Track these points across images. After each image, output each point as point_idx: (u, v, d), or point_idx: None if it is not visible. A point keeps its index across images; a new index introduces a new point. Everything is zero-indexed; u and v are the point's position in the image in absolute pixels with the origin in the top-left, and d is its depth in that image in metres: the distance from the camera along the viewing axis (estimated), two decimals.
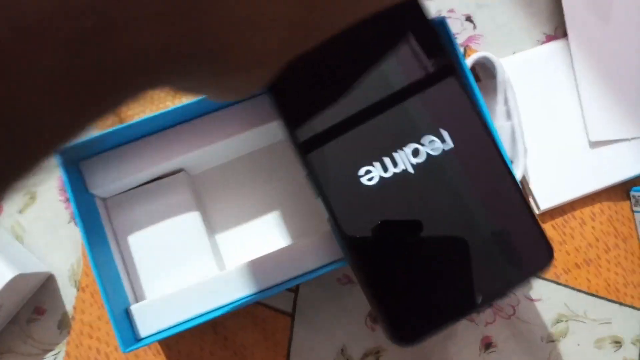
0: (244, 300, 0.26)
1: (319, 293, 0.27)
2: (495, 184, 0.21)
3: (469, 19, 0.35)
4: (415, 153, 0.21)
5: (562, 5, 0.34)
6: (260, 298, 0.26)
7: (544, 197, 0.32)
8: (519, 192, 0.21)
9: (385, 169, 0.21)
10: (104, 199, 0.29)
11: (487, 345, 0.32)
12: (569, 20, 0.33)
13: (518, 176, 0.30)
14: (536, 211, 0.33)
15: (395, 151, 0.21)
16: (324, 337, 0.32)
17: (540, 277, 0.32)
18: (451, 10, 0.35)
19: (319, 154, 0.21)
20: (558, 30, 0.35)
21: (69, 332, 0.31)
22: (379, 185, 0.21)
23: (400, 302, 0.21)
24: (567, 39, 0.34)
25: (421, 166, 0.21)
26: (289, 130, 0.21)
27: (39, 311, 0.31)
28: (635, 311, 0.33)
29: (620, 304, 0.33)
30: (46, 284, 0.32)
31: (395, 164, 0.21)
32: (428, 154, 0.21)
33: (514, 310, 0.32)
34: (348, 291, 0.32)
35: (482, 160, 0.21)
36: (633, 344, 0.32)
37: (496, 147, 0.22)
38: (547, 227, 0.33)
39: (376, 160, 0.21)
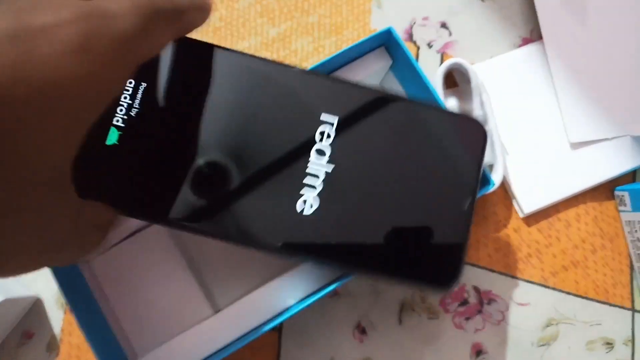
0: (243, 340, 0.27)
1: (306, 307, 0.27)
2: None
3: (444, 25, 0.35)
4: (320, 153, 0.21)
5: (535, 7, 0.34)
6: (260, 333, 0.26)
7: (527, 201, 0.32)
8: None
9: (312, 187, 0.21)
10: (87, 262, 0.29)
11: (478, 352, 0.32)
12: (543, 21, 0.33)
13: (497, 179, 0.30)
14: (521, 215, 0.33)
15: (306, 169, 0.21)
16: (312, 350, 0.31)
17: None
18: (425, 18, 0.35)
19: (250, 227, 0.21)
20: (534, 33, 0.35)
21: (57, 355, 0.31)
22: (322, 205, 0.21)
23: (414, 265, 0.21)
24: (542, 41, 0.34)
25: (335, 158, 0.21)
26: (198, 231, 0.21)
27: (27, 335, 0.32)
28: (625, 311, 0.32)
29: (610, 304, 0.32)
30: (33, 308, 0.32)
31: (316, 177, 0.21)
32: (330, 144, 0.21)
33: (503, 315, 0.32)
34: (335, 303, 0.32)
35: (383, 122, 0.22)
36: (625, 344, 0.32)
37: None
38: (532, 231, 0.33)
39: (299, 190, 0.21)
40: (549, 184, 0.32)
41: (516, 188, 0.32)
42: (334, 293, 0.32)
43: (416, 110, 0.22)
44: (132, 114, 0.21)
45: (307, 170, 0.21)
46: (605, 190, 0.33)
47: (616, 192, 0.33)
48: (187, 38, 0.21)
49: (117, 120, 0.20)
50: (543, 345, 0.32)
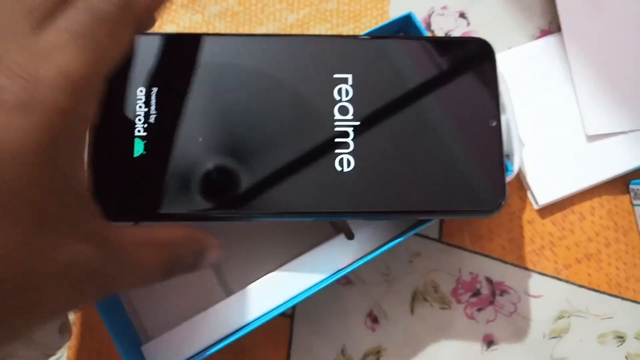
0: (259, 321, 0.27)
1: (318, 294, 0.27)
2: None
3: (462, 15, 0.35)
4: (343, 111, 0.22)
5: None
6: (273, 316, 0.26)
7: (542, 193, 0.32)
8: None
9: (347, 146, 0.21)
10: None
11: (489, 343, 0.32)
12: (562, 13, 0.33)
13: (514, 170, 0.30)
14: (535, 207, 0.33)
15: (334, 129, 0.21)
16: (323, 338, 0.31)
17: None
18: (444, 7, 0.35)
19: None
20: (552, 24, 0.34)
21: (69, 337, 0.31)
22: (359, 159, 0.21)
23: (460, 197, 0.22)
24: (561, 33, 0.33)
25: (358, 112, 0.21)
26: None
27: None
28: (637, 305, 0.32)
29: (623, 298, 0.32)
30: None
31: (346, 134, 0.21)
32: (350, 100, 0.21)
33: (515, 307, 0.32)
34: (347, 291, 0.32)
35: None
36: (636, 338, 0.32)
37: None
38: (546, 223, 0.33)
39: (333, 150, 0.21)
40: (564, 176, 0.32)
41: (531, 179, 0.32)
42: (347, 281, 0.32)
43: (422, 46, 0.23)
44: (152, 120, 0.21)
45: (336, 130, 0.21)
46: (620, 184, 0.33)
47: (631, 186, 0.33)
48: (184, 34, 0.21)
49: (139, 131, 0.20)
50: (554, 337, 0.32)
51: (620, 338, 0.32)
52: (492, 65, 0.23)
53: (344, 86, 0.22)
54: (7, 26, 0.15)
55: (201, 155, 0.21)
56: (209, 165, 0.21)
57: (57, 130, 0.15)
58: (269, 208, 0.21)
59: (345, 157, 0.21)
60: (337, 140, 0.21)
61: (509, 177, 0.28)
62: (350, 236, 0.28)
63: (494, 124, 0.22)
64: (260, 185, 0.21)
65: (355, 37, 0.23)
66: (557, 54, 0.33)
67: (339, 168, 0.21)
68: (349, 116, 0.21)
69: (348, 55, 0.22)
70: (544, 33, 0.34)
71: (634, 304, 0.32)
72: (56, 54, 0.15)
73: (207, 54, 0.21)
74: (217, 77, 0.21)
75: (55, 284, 0.16)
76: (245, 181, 0.21)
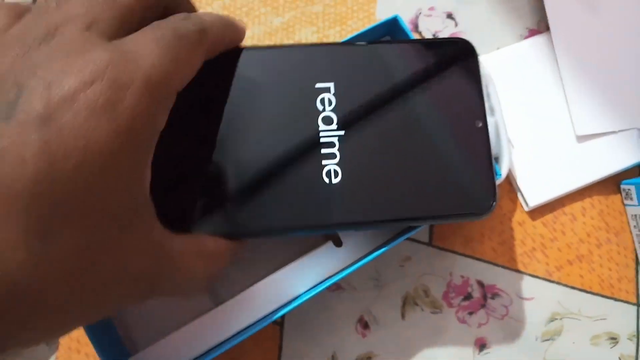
0: (247, 331, 0.26)
1: (308, 301, 0.26)
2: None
3: (450, 16, 0.34)
4: (328, 121, 0.21)
5: None
6: (263, 325, 0.26)
7: (532, 194, 0.32)
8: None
9: (333, 156, 0.21)
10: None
11: (482, 346, 0.32)
12: (550, 12, 0.33)
13: (503, 172, 0.30)
14: (526, 208, 0.32)
15: (319, 140, 0.21)
16: (314, 345, 0.31)
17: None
18: (431, 8, 0.34)
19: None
20: (541, 24, 0.34)
21: (57, 348, 0.31)
22: (346, 170, 0.21)
23: (450, 202, 0.22)
24: (550, 32, 0.33)
25: (343, 121, 0.21)
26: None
27: None
28: (630, 306, 0.32)
29: (615, 299, 0.32)
30: None
31: (332, 145, 0.21)
32: (334, 109, 0.21)
33: (507, 310, 0.32)
34: (337, 297, 0.32)
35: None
36: (629, 339, 0.32)
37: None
38: (537, 225, 0.32)
39: (320, 161, 0.21)
40: (554, 177, 0.32)
41: (521, 181, 0.32)
42: (337, 287, 0.32)
43: (402, 49, 0.22)
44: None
45: (322, 141, 0.21)
46: (611, 184, 0.33)
47: (622, 186, 0.32)
48: None
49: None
50: (547, 339, 0.32)
51: (614, 339, 0.32)
52: (475, 64, 0.23)
53: (326, 95, 0.21)
54: (96, 27, 0.16)
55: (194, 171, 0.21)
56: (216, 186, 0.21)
57: (135, 135, 0.15)
58: (264, 225, 0.21)
59: (332, 167, 0.21)
60: (323, 151, 0.21)
61: (498, 180, 0.27)
62: (338, 243, 0.27)
63: (480, 124, 0.22)
64: (244, 204, 0.21)
65: (334, 44, 0.23)
66: (546, 53, 0.33)
67: (327, 180, 0.21)
68: (333, 126, 0.21)
69: (328, 64, 0.21)
70: (533, 33, 0.34)
71: (626, 305, 0.32)
72: (142, 59, 0.16)
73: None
74: (195, 92, 0.21)
75: (110, 287, 0.16)
76: (231, 200, 0.21)
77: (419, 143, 0.22)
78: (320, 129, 0.21)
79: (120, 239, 0.16)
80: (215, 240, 0.20)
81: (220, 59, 0.20)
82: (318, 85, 0.21)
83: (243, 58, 0.21)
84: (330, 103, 0.21)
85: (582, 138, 0.32)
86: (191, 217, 0.20)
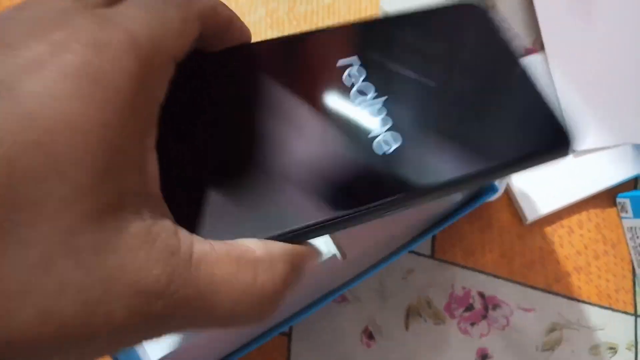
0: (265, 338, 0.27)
1: (315, 312, 0.27)
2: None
3: None
4: (362, 92, 0.20)
5: (538, 18, 0.34)
6: (269, 337, 0.27)
7: (531, 209, 0.33)
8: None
9: (384, 122, 0.19)
10: None
11: (484, 356, 0.32)
12: (545, 32, 0.34)
13: (501, 186, 0.31)
14: (525, 222, 0.33)
15: (360, 112, 0.19)
16: (321, 355, 0.32)
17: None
18: None
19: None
20: (536, 43, 0.35)
21: None
22: (401, 136, 0.19)
23: (521, 146, 0.19)
24: (544, 52, 0.34)
25: (382, 88, 0.20)
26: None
27: None
28: (628, 316, 0.33)
29: (613, 309, 0.33)
30: None
31: (376, 114, 0.19)
32: (365, 79, 0.20)
33: (508, 321, 0.33)
34: (343, 309, 0.32)
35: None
36: (628, 349, 0.32)
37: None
38: (536, 237, 0.33)
39: (367, 135, 0.19)
40: (552, 192, 0.33)
41: (520, 195, 0.33)
42: (342, 299, 0.33)
43: (419, 17, 0.22)
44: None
45: (363, 113, 0.19)
46: (607, 198, 0.34)
47: (618, 199, 0.33)
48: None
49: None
50: (547, 350, 0.32)
51: (612, 349, 0.33)
52: (493, 16, 0.22)
53: (352, 69, 0.20)
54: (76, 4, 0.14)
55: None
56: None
57: (124, 105, 0.13)
58: (328, 212, 0.18)
59: (383, 137, 0.19)
60: (366, 123, 0.19)
61: (495, 196, 0.29)
62: (343, 256, 0.28)
63: (520, 69, 0.21)
64: (293, 197, 0.18)
65: (345, 23, 0.22)
66: (541, 72, 0.34)
67: (380, 152, 0.19)
68: (372, 94, 0.20)
69: (343, 42, 0.21)
70: (529, 51, 0.35)
71: (624, 315, 0.33)
72: (125, 21, 0.14)
73: (215, 71, 0.20)
74: (212, 93, 0.20)
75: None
76: (276, 195, 0.18)
77: (468, 94, 0.20)
78: (357, 102, 0.20)
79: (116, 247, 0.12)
80: (264, 244, 0.16)
81: (234, 54, 0.19)
82: (340, 63, 0.21)
83: (257, 52, 0.20)
84: (361, 74, 0.20)
85: (578, 153, 0.33)
86: (226, 219, 0.17)
